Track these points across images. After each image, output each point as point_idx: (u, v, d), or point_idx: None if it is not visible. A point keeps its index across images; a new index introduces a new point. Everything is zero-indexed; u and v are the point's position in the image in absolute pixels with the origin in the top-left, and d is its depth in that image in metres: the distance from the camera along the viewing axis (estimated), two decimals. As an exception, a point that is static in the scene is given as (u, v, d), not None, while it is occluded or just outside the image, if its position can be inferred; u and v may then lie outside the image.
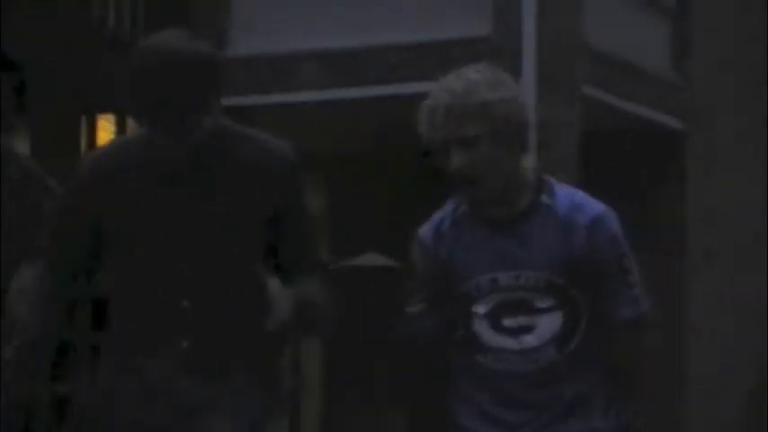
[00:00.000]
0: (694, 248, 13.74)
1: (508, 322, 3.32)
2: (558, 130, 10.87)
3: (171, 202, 3.30)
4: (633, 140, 12.70)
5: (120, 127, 12.25)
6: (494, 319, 3.33)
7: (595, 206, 3.31)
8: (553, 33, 10.89)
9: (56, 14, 11.15)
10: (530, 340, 3.30)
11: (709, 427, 13.57)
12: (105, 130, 12.42)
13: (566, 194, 3.35)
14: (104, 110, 12.20)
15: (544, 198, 3.29)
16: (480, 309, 3.32)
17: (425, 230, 3.45)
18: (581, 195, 3.39)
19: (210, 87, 3.19)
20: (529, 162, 3.40)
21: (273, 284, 3.24)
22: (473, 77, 3.19)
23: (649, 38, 12.61)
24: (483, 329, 3.33)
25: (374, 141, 12.88)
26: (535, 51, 10.75)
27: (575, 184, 10.16)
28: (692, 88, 13.04)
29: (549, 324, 3.28)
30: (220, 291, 3.29)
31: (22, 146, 4.37)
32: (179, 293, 3.27)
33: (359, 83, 11.53)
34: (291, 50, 11.56)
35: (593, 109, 11.19)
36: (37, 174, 3.90)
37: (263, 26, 11.76)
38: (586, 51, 11.15)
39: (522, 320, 3.31)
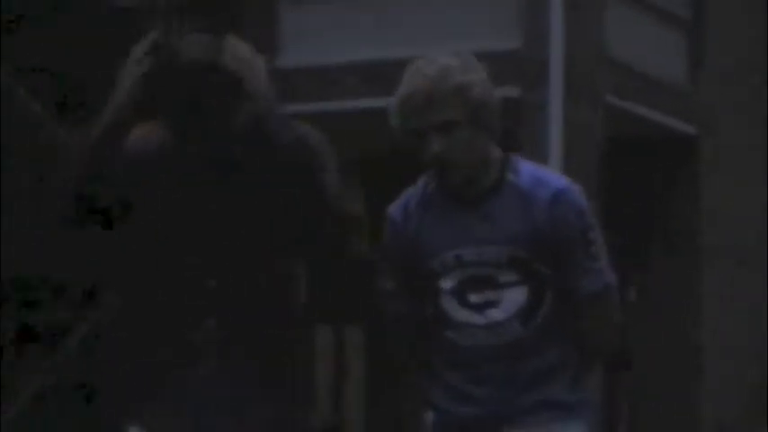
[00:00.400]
0: (705, 249, 13.70)
1: (474, 298, 3.35)
2: (582, 136, 11.12)
3: (199, 190, 3.29)
4: (649, 146, 12.76)
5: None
6: (460, 294, 3.35)
7: (558, 181, 3.35)
8: (578, 46, 11.04)
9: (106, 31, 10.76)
10: (495, 315, 3.32)
11: (712, 425, 13.55)
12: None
13: (529, 171, 3.34)
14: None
15: (509, 175, 3.29)
16: (446, 284, 3.35)
17: (395, 208, 3.52)
18: (544, 171, 3.43)
19: (235, 95, 3.22)
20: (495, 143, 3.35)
21: None
22: (444, 62, 3.23)
23: (666, 49, 12.63)
24: (450, 305, 3.36)
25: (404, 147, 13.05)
26: (562, 63, 10.91)
27: (596, 186, 10.53)
28: (704, 97, 13.03)
29: (513, 298, 3.29)
30: (246, 274, 3.31)
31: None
32: (206, 274, 3.29)
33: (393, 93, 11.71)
34: (333, 62, 11.71)
35: (613, 116, 11.33)
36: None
37: (310, 39, 11.82)
38: (608, 62, 11.33)
39: (487, 295, 3.33)
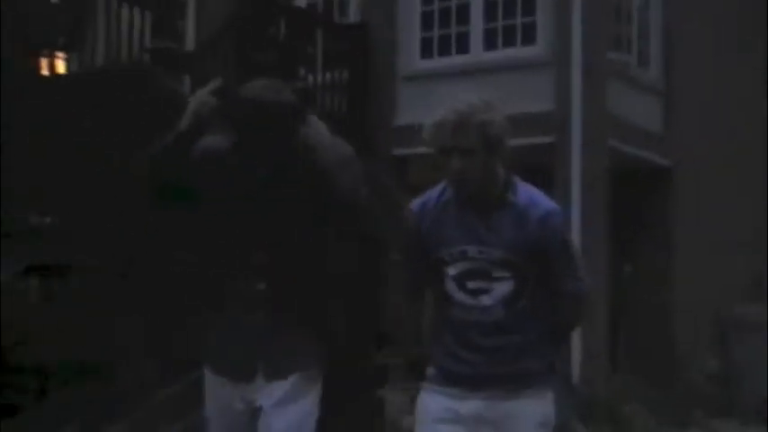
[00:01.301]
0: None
1: (471, 285, 3.78)
2: (593, 171, 12.03)
3: (250, 187, 3.73)
4: (633, 178, 13.16)
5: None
6: (460, 281, 3.78)
7: (547, 203, 3.76)
8: (590, 107, 11.98)
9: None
10: (485, 300, 3.75)
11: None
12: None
13: (526, 193, 3.77)
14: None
15: (510, 195, 3.70)
16: (451, 271, 3.77)
17: (416, 203, 3.99)
18: (538, 195, 3.80)
19: (285, 124, 3.63)
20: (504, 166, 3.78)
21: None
22: (473, 102, 3.64)
23: (647, 109, 13.64)
24: (451, 288, 3.80)
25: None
26: (581, 121, 11.95)
27: (605, 209, 11.66)
28: (677, 142, 13.77)
29: (501, 289, 3.69)
30: (288, 251, 3.74)
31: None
32: (257, 249, 3.77)
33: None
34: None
35: (611, 155, 12.23)
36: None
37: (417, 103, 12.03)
38: (609, 117, 12.33)
39: (481, 284, 3.75)
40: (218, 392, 3.95)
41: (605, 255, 12.11)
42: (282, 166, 3.79)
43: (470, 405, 3.80)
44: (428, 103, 11.71)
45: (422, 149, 11.48)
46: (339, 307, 4.03)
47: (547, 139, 12.13)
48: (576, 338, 11.78)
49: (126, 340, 8.34)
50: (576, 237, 11.87)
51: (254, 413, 3.86)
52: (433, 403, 3.91)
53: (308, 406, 3.92)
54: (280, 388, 3.82)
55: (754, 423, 10.74)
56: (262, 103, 3.67)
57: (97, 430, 7.42)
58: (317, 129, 3.86)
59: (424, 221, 3.87)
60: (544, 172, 12.11)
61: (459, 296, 3.81)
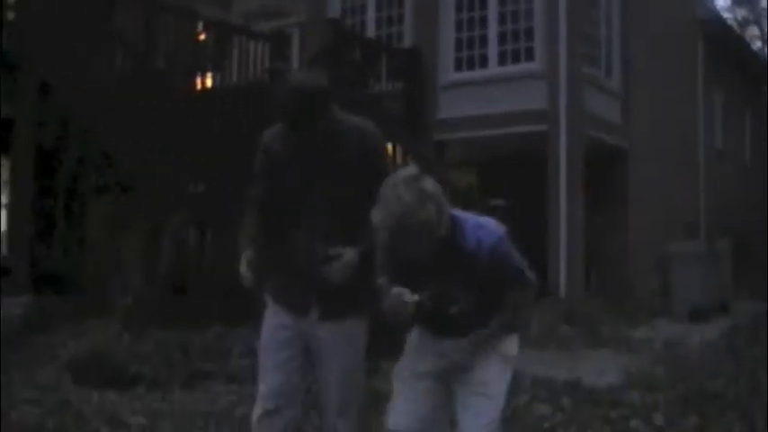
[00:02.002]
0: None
1: (434, 303, 3.08)
2: (575, 152, 11.90)
3: (298, 169, 3.19)
4: (601, 156, 12.60)
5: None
6: (422, 303, 3.07)
7: (490, 238, 3.00)
8: (572, 105, 11.96)
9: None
10: (450, 309, 3.10)
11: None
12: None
13: (472, 234, 2.99)
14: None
15: (457, 239, 2.96)
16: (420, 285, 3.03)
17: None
18: (482, 232, 3.01)
19: (322, 105, 3.06)
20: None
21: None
22: (407, 200, 2.75)
23: (611, 107, 13.36)
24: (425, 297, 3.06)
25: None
26: (566, 116, 11.94)
27: (582, 179, 11.72)
28: (632, 131, 13.51)
29: (464, 304, 3.08)
30: (329, 222, 3.18)
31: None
32: (306, 220, 3.21)
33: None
34: (465, 114, 12.46)
35: (587, 140, 12.10)
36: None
37: (454, 104, 12.65)
38: (585, 113, 12.13)
39: (444, 303, 3.06)
40: (275, 317, 3.33)
41: (582, 211, 12.22)
42: (326, 140, 3.18)
43: (445, 344, 3.23)
44: (460, 102, 12.21)
45: (455, 136, 12.06)
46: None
47: (542, 128, 12.21)
48: (562, 268, 11.93)
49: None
50: (561, 201, 12.02)
51: (307, 340, 3.29)
52: (417, 338, 3.34)
53: (358, 346, 3.34)
54: (333, 326, 3.24)
55: (681, 322, 10.77)
56: (297, 83, 3.12)
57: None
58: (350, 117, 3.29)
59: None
60: (540, 152, 12.30)
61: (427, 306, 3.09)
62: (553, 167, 11.92)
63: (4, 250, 10.18)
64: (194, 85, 11.04)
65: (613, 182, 13.41)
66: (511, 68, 12.59)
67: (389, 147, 10.36)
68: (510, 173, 12.73)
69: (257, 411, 3.28)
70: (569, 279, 11.82)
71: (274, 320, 3.30)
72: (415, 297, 2.97)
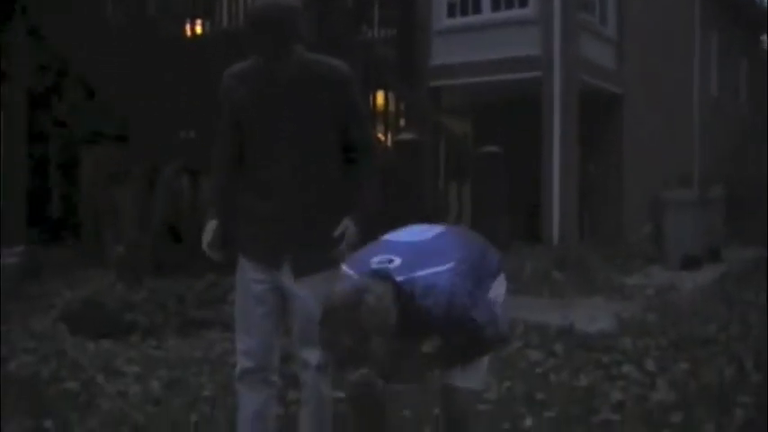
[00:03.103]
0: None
1: None
2: (569, 98, 11.89)
3: (272, 103, 3.01)
4: (595, 102, 12.78)
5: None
6: None
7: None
8: (566, 51, 11.91)
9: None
10: None
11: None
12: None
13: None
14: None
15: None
16: None
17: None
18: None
19: (291, 31, 2.89)
20: None
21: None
22: (343, 305, 2.31)
23: (606, 53, 13.44)
24: None
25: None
26: (560, 62, 11.93)
27: (576, 125, 11.84)
28: (626, 77, 13.53)
29: None
30: (304, 158, 3.03)
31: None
32: (280, 157, 3.02)
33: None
34: (457, 61, 12.38)
35: (581, 86, 12.10)
36: None
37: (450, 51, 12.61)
38: (579, 59, 12.16)
39: None
40: (248, 271, 3.15)
41: (576, 158, 12.26)
42: (299, 71, 3.00)
43: None
44: (453, 49, 12.12)
45: (449, 82, 12.26)
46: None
47: (536, 75, 12.14)
48: (555, 215, 11.99)
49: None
50: (555, 148, 12.06)
51: (281, 292, 3.13)
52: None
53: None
54: (307, 280, 3.06)
55: (673, 269, 10.71)
56: (259, 7, 2.90)
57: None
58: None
59: None
60: (534, 99, 12.27)
61: None
62: (547, 114, 11.99)
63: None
64: (185, 31, 11.03)
65: (608, 128, 13.49)
66: (504, 14, 12.53)
67: (382, 94, 10.59)
68: (504, 120, 12.72)
69: (238, 367, 3.20)
70: (562, 226, 11.90)
71: (248, 275, 3.16)
72: None
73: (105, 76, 9.29)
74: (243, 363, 3.17)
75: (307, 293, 3.04)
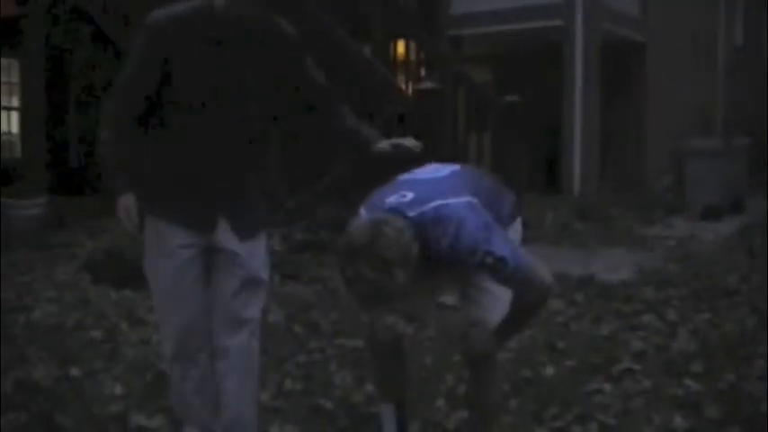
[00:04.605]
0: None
1: None
2: (590, 47, 12.01)
3: (214, 54, 2.72)
4: (618, 50, 12.86)
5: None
6: None
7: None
8: (593, 0, 11.96)
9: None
10: None
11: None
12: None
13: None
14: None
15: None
16: None
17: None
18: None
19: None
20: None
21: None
22: (361, 231, 2.41)
23: (630, 6, 13.39)
24: None
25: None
26: (582, 9, 12.05)
27: (598, 74, 12.10)
28: (650, 25, 13.62)
29: None
30: (250, 112, 2.81)
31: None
32: (218, 118, 2.75)
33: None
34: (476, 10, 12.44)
35: (603, 34, 12.20)
36: None
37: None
38: (601, 6, 12.20)
39: None
40: (170, 238, 2.86)
41: (598, 107, 12.24)
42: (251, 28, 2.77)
43: None
44: None
45: (470, 31, 12.24)
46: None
47: (557, 23, 12.21)
48: (576, 164, 11.98)
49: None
50: (577, 97, 11.99)
51: (211, 253, 2.90)
52: None
53: (262, 261, 2.96)
54: (243, 243, 2.89)
55: (695, 219, 10.58)
56: None
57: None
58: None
59: None
60: (556, 47, 12.19)
61: None
62: (569, 63, 11.99)
63: (18, 152, 10.18)
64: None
65: (630, 77, 13.44)
66: (527, -38, 12.44)
67: (403, 43, 10.32)
68: (525, 69, 12.77)
69: (168, 350, 2.96)
70: (584, 175, 11.87)
71: (171, 242, 2.85)
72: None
73: (123, 25, 9.19)
74: (171, 346, 2.94)
75: (249, 251, 2.87)
